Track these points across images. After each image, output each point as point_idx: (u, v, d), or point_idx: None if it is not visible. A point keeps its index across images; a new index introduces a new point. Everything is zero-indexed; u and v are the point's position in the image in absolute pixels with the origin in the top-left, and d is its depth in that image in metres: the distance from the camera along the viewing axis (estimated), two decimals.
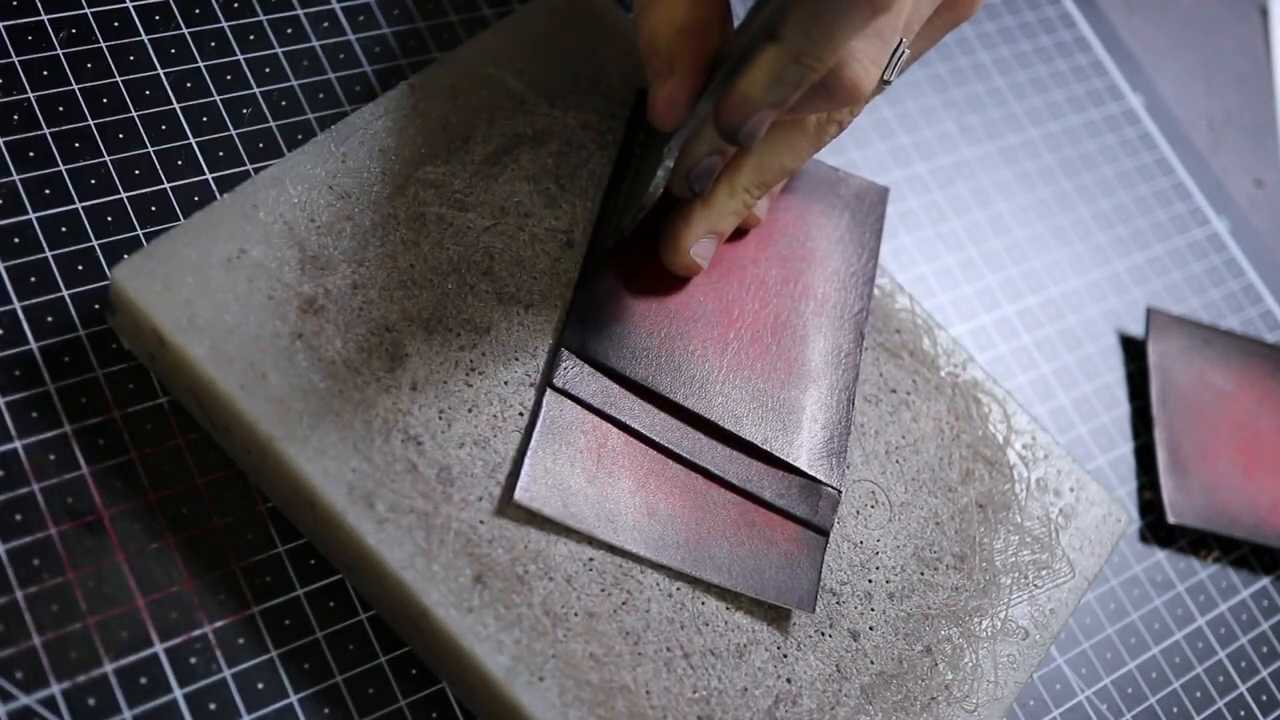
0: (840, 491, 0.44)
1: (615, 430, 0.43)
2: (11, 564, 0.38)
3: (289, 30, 0.49)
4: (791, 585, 0.43)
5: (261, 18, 0.49)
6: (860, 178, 0.50)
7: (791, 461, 0.44)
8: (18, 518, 0.39)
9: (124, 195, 0.44)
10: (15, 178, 0.43)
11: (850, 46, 0.39)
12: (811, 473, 0.44)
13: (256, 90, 0.48)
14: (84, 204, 0.44)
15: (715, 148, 0.43)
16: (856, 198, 0.50)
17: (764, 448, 0.44)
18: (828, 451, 0.45)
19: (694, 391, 0.44)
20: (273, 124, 0.47)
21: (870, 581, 0.44)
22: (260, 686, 0.39)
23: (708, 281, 0.46)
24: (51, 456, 0.40)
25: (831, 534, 0.44)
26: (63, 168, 0.44)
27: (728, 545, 0.42)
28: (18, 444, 0.40)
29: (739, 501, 0.43)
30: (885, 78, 0.42)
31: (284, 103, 0.48)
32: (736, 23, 0.42)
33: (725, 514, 0.43)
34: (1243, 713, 0.53)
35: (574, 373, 0.43)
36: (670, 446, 0.43)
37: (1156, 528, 0.55)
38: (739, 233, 0.47)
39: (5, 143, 0.43)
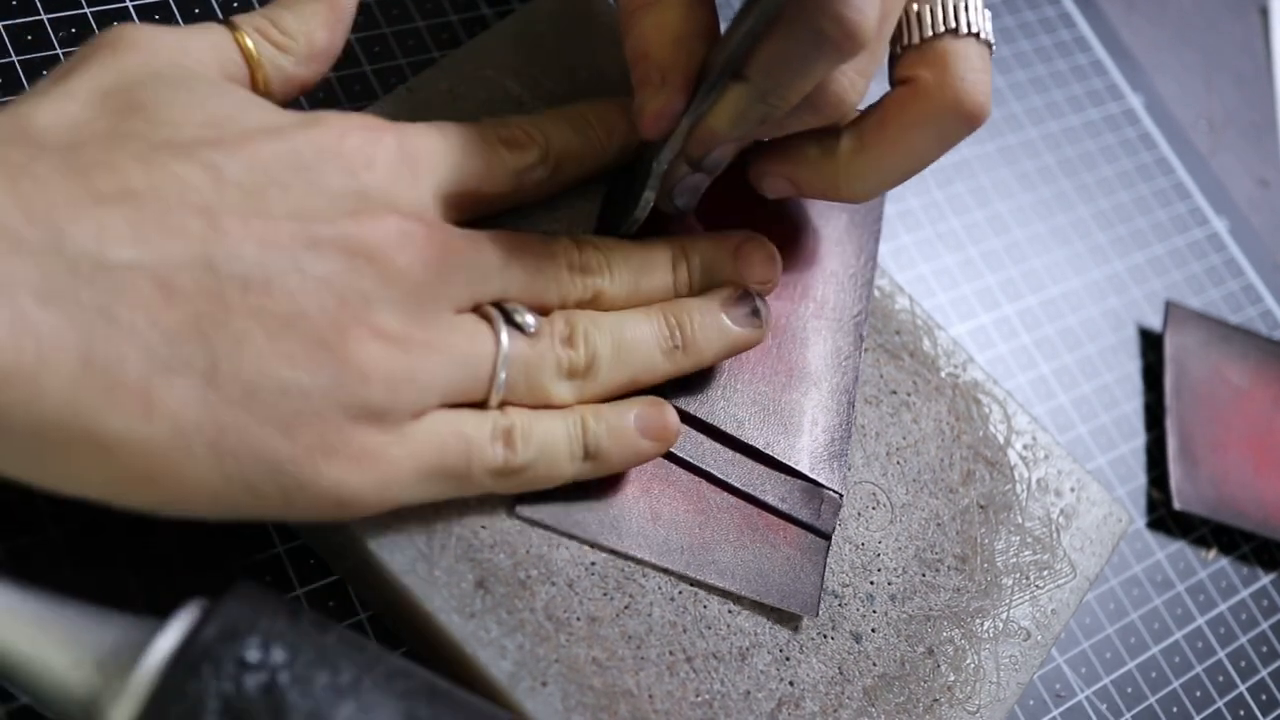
0: (841, 495, 0.44)
1: None
2: (11, 563, 0.38)
3: None
4: (794, 588, 0.43)
5: None
6: None
7: (793, 465, 0.44)
8: (17, 517, 0.39)
9: None
10: None
11: None
12: (813, 476, 0.44)
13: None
14: None
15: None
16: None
17: (766, 451, 0.44)
18: (829, 454, 0.45)
19: (696, 395, 0.44)
20: None
21: (872, 583, 0.44)
22: None
23: None
24: None
25: (833, 536, 0.44)
26: None
27: (731, 549, 0.42)
28: None
29: (741, 505, 0.43)
30: None
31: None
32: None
33: (728, 518, 0.43)
34: (1242, 712, 0.53)
35: None
36: (673, 450, 0.43)
37: (1157, 527, 0.55)
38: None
39: None
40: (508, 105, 0.46)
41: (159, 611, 0.39)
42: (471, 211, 0.40)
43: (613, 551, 0.41)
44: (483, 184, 0.40)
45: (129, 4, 0.47)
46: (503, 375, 0.38)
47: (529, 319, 0.38)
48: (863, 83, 0.40)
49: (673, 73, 0.40)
